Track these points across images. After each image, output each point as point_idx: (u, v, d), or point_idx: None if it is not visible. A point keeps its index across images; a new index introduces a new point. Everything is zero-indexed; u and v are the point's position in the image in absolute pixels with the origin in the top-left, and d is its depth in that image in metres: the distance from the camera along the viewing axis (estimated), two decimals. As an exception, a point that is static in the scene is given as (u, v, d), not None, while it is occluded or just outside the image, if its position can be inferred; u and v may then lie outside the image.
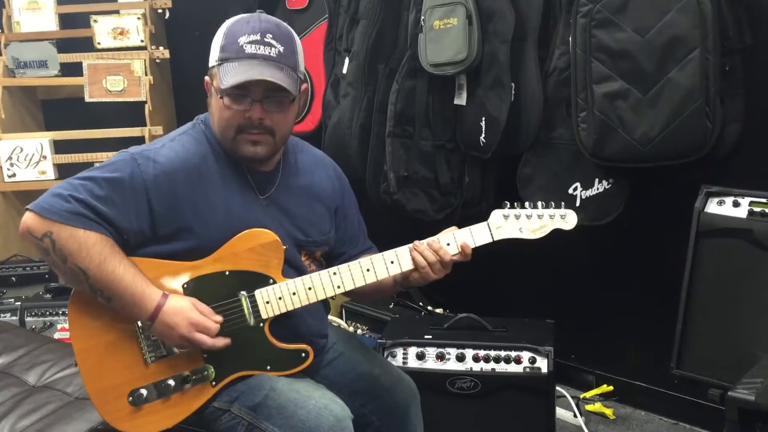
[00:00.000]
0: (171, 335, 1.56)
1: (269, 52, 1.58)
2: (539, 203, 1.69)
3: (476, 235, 1.67)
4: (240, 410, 1.61)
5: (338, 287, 1.66)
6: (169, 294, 1.56)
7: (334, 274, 1.65)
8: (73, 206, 1.50)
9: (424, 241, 1.65)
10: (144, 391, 1.59)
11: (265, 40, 1.58)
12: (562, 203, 1.70)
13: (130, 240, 1.57)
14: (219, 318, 1.59)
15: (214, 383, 1.63)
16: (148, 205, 1.56)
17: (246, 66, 1.56)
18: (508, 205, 1.69)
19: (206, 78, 1.66)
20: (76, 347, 1.60)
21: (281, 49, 1.60)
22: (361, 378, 1.80)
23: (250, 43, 1.57)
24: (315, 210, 1.79)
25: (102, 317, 1.59)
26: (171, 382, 1.60)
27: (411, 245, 1.65)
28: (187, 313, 1.55)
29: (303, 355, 1.67)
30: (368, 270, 1.65)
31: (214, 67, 1.61)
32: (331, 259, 1.85)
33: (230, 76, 1.55)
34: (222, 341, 1.59)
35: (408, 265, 1.65)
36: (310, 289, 1.64)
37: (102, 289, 1.52)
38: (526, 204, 1.69)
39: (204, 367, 1.62)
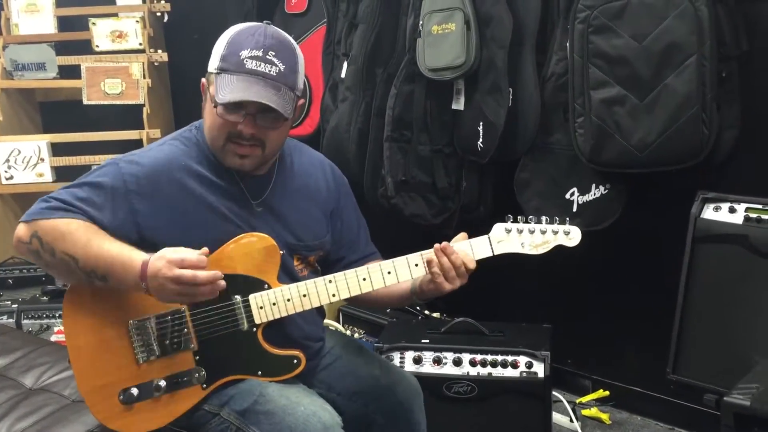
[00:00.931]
0: (160, 285, 1.47)
1: (269, 70, 1.56)
2: (543, 218, 1.65)
3: (476, 249, 1.64)
4: (229, 415, 1.61)
5: (333, 295, 1.64)
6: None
7: (330, 282, 1.64)
8: (53, 204, 1.54)
9: (440, 246, 1.61)
10: (135, 391, 1.60)
11: (267, 57, 1.56)
12: (567, 219, 1.66)
13: None
14: (203, 249, 1.51)
15: (204, 386, 1.63)
16: (130, 206, 1.56)
17: (243, 83, 1.55)
18: (511, 219, 1.65)
19: (203, 80, 1.66)
20: (69, 345, 1.61)
21: (282, 68, 1.57)
22: (361, 379, 1.80)
23: (252, 58, 1.55)
24: (309, 213, 1.78)
25: (95, 316, 1.59)
26: (162, 383, 1.61)
27: (411, 255, 1.63)
28: (164, 254, 1.48)
29: (295, 361, 1.67)
30: (364, 279, 1.64)
31: (212, 74, 1.60)
32: (329, 264, 1.84)
33: (226, 91, 1.54)
34: (207, 274, 1.48)
35: (405, 276, 1.64)
36: (304, 296, 1.63)
37: (94, 269, 1.51)
38: (529, 218, 1.65)
39: (195, 369, 1.62)
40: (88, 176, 1.59)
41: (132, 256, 1.51)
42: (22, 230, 1.56)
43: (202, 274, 1.48)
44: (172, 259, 1.47)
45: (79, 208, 1.53)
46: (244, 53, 1.56)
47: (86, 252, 1.51)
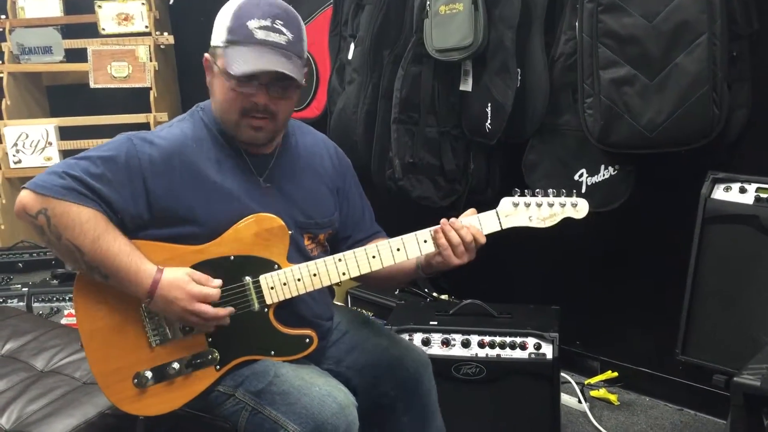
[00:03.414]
0: (172, 310, 1.54)
1: (279, 40, 1.57)
2: (550, 191, 1.65)
3: (485, 223, 1.64)
4: (244, 395, 1.62)
5: (343, 274, 1.65)
6: (164, 268, 1.55)
7: (339, 260, 1.64)
8: (67, 182, 1.50)
9: (448, 221, 1.62)
10: (149, 374, 1.60)
11: (275, 26, 1.57)
12: (574, 191, 1.66)
13: (126, 221, 1.56)
14: (217, 282, 1.58)
15: (218, 367, 1.64)
16: (143, 185, 1.55)
17: (256, 53, 1.55)
18: (518, 193, 1.65)
19: (206, 55, 1.64)
20: (81, 329, 1.61)
21: (290, 36, 1.59)
22: (369, 352, 1.80)
23: (261, 28, 1.55)
24: (317, 191, 1.78)
25: (107, 300, 1.59)
26: (175, 365, 1.61)
27: (420, 231, 1.63)
28: (184, 285, 1.54)
29: (307, 340, 1.68)
30: (374, 257, 1.64)
31: (219, 47, 1.59)
32: (337, 243, 1.84)
33: (240, 62, 1.54)
34: (224, 311, 1.58)
35: (414, 253, 1.64)
36: (315, 275, 1.63)
37: (97, 267, 1.52)
38: (536, 191, 1.65)
39: (208, 351, 1.63)
40: (102, 149, 1.56)
41: (140, 268, 1.52)
42: (29, 199, 1.51)
43: (212, 312, 1.55)
44: (194, 293, 1.54)
45: (92, 190, 1.51)
46: (252, 23, 1.55)
47: (93, 248, 1.50)
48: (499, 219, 1.64)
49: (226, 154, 1.66)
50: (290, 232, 1.65)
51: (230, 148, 1.66)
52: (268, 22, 1.56)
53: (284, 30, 1.58)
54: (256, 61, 1.54)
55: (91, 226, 1.50)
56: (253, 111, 1.59)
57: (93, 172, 1.52)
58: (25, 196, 1.52)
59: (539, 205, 1.64)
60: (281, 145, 1.74)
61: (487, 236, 1.64)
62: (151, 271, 1.53)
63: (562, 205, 1.64)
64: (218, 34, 1.60)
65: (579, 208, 1.65)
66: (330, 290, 1.85)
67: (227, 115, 1.62)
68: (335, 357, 1.80)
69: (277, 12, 1.59)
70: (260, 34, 1.56)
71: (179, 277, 1.55)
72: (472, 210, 1.66)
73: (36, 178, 1.53)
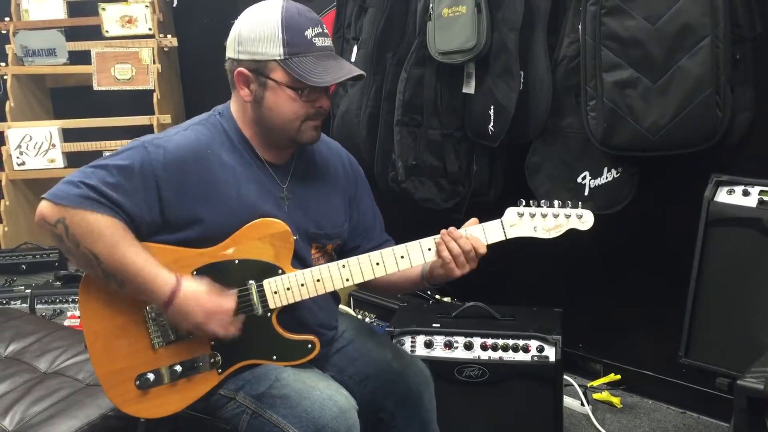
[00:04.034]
0: (184, 323, 1.56)
1: (330, 43, 1.63)
2: (555, 202, 1.64)
3: (489, 233, 1.63)
4: (245, 399, 1.62)
5: (347, 280, 1.64)
6: (183, 279, 1.55)
7: (343, 266, 1.64)
8: (83, 191, 1.51)
9: (447, 231, 1.62)
10: (151, 376, 1.60)
11: (324, 31, 1.61)
12: (579, 203, 1.65)
13: (141, 228, 1.56)
14: (232, 304, 1.59)
15: (220, 371, 1.64)
16: (157, 193, 1.56)
17: (327, 61, 1.59)
18: (523, 203, 1.64)
19: (242, 70, 1.60)
20: (85, 330, 1.62)
21: (329, 36, 1.64)
22: (372, 363, 1.80)
23: (317, 36, 1.59)
24: (330, 201, 1.78)
25: (112, 301, 1.59)
26: (178, 368, 1.61)
27: (424, 239, 1.63)
28: (201, 301, 1.54)
29: (309, 346, 1.67)
30: (378, 264, 1.64)
31: (274, 61, 1.57)
32: (344, 252, 1.83)
33: (320, 72, 1.56)
34: (234, 330, 1.59)
35: (418, 260, 1.63)
36: (318, 281, 1.63)
37: (114, 274, 1.52)
38: (542, 202, 1.64)
39: (211, 354, 1.63)
40: (117, 158, 1.56)
41: (158, 277, 1.53)
42: (47, 210, 1.52)
43: (222, 333, 1.57)
44: (209, 311, 1.55)
45: (109, 199, 1.51)
46: (309, 33, 1.58)
47: (111, 255, 1.51)
48: (503, 229, 1.64)
49: (243, 162, 1.65)
50: (295, 237, 1.65)
51: (249, 156, 1.66)
52: (319, 29, 1.60)
53: (327, 32, 1.62)
54: (336, 69, 1.58)
55: (108, 233, 1.51)
56: (317, 116, 1.64)
57: (109, 181, 1.53)
58: (44, 207, 1.53)
59: (544, 216, 1.63)
60: (297, 153, 1.74)
61: (489, 246, 1.64)
62: (170, 281, 1.53)
63: (567, 216, 1.63)
64: (268, 48, 1.57)
65: (584, 220, 1.64)
66: (335, 298, 1.84)
67: (290, 124, 1.62)
68: (339, 366, 1.80)
69: (315, 17, 1.62)
70: (319, 42, 1.59)
71: (197, 291, 1.55)
72: (474, 219, 1.66)
73: (53, 188, 1.54)
